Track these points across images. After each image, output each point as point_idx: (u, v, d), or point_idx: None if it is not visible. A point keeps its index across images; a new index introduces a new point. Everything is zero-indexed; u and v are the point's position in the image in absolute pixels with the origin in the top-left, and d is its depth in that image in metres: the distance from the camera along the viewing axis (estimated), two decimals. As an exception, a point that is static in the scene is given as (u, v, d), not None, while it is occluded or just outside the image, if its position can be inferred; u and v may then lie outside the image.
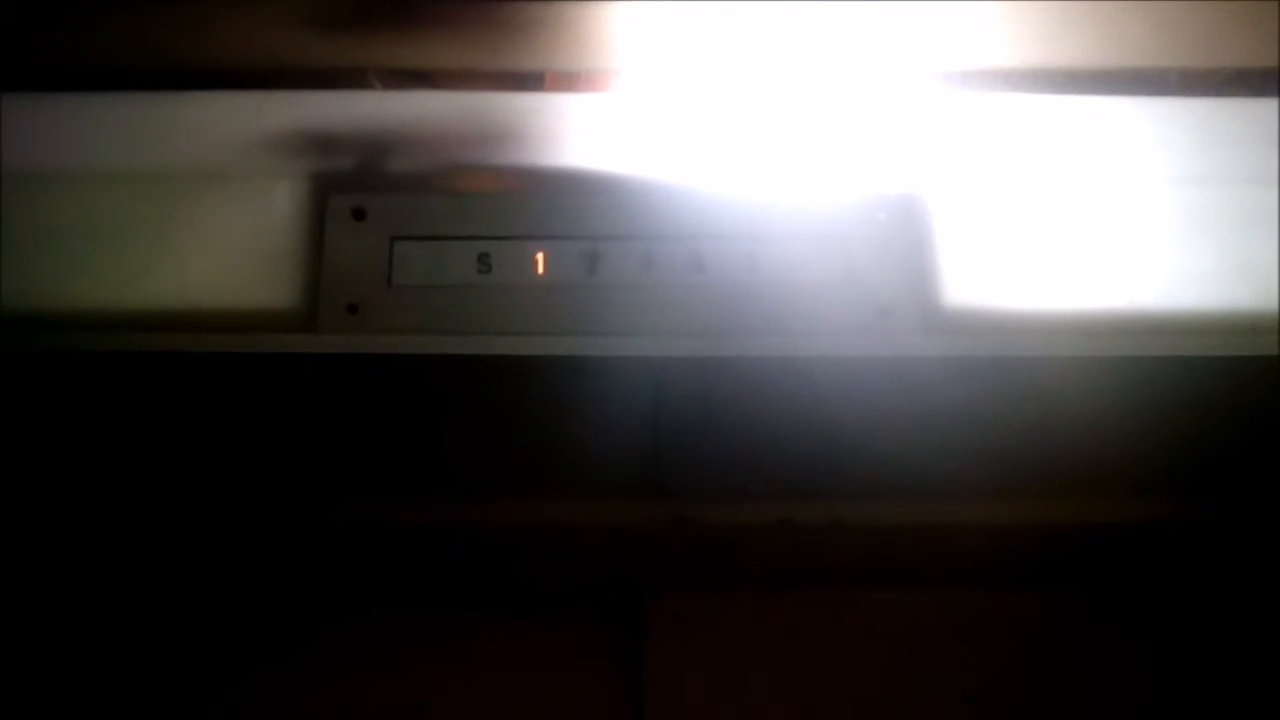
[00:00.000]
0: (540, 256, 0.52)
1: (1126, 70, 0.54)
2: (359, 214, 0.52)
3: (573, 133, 0.54)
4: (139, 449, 0.60)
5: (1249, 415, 0.58)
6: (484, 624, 0.69)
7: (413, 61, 0.55)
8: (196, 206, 0.53)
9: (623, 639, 0.69)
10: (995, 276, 0.53)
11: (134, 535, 0.65)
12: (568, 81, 0.55)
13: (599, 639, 0.69)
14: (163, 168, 0.53)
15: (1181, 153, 0.54)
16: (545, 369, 0.53)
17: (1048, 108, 0.54)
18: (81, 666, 0.68)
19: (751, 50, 0.54)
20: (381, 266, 0.52)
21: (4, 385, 0.54)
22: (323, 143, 0.54)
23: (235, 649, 0.68)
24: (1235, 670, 0.68)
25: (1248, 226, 0.54)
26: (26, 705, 0.67)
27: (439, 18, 0.55)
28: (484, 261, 0.52)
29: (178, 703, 0.68)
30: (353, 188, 0.53)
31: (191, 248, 0.52)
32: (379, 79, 0.54)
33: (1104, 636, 0.70)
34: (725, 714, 0.68)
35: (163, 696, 0.68)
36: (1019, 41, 0.55)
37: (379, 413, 0.58)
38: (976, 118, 0.54)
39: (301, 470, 0.62)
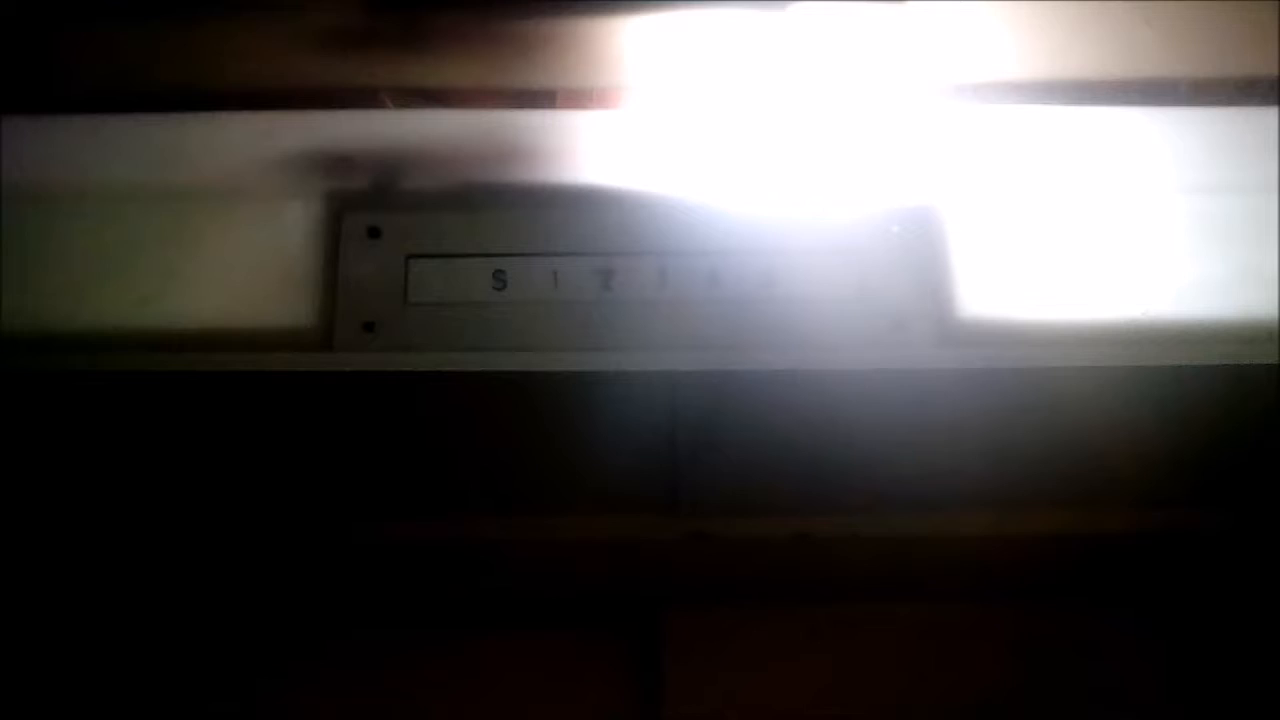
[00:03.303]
0: (555, 273, 0.52)
1: (1137, 81, 0.55)
2: (374, 233, 0.53)
3: (585, 150, 0.54)
4: (154, 468, 0.60)
5: (1263, 423, 0.58)
6: (500, 640, 0.69)
7: (424, 81, 0.55)
8: (211, 227, 0.53)
9: (640, 655, 0.68)
10: (1008, 288, 0.53)
11: (146, 552, 0.65)
12: (579, 99, 0.55)
13: (616, 655, 0.69)
14: (178, 189, 0.54)
15: (1193, 162, 0.54)
16: (561, 384, 0.53)
17: (1059, 119, 0.54)
18: (94, 680, 0.68)
19: (762, 65, 0.54)
20: (397, 284, 0.52)
21: (19, 406, 0.54)
22: (336, 162, 0.54)
23: (250, 665, 0.68)
24: (1247, 680, 0.68)
25: (1260, 235, 0.54)
26: (38, 713, 0.67)
27: (450, 37, 0.55)
28: (499, 278, 0.52)
29: (189, 716, 0.68)
30: (367, 207, 0.53)
31: (207, 268, 0.53)
32: (391, 98, 0.55)
33: (1121, 647, 0.69)
34: (743, 729, 0.67)
35: (174, 709, 0.68)
36: (1030, 54, 0.55)
37: (395, 430, 0.58)
38: (989, 130, 0.54)
39: (317, 487, 0.62)
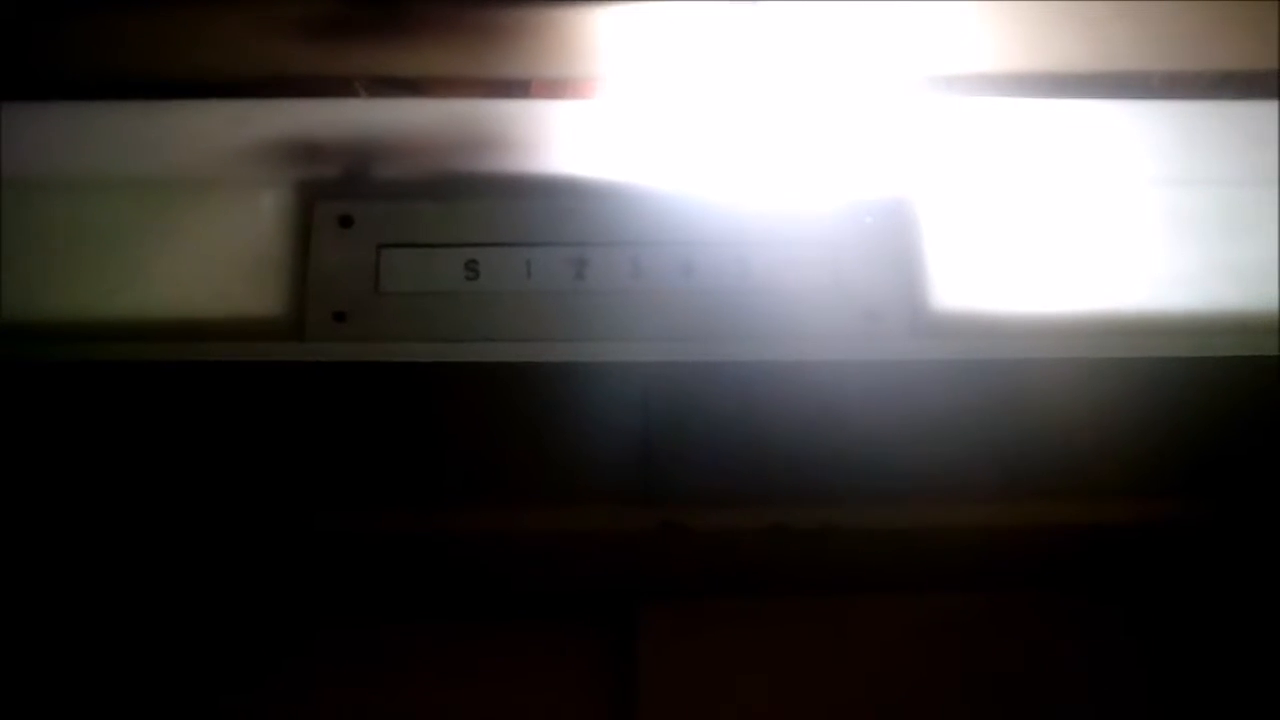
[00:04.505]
0: (528, 262, 0.52)
1: (1110, 74, 0.55)
2: (345, 221, 0.52)
3: (559, 139, 0.54)
4: (126, 458, 0.60)
5: (1240, 416, 0.59)
6: (475, 632, 0.69)
7: (398, 69, 0.55)
8: (182, 214, 0.53)
9: (615, 646, 0.68)
10: (984, 279, 0.53)
11: (125, 544, 0.65)
12: (553, 89, 0.55)
13: (591, 647, 0.69)
14: (148, 176, 0.53)
15: (1167, 155, 0.54)
16: (534, 375, 0.53)
17: (1033, 111, 0.54)
18: (75, 672, 0.67)
19: (738, 55, 0.54)
20: (369, 274, 0.51)
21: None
22: (308, 151, 0.53)
23: (226, 659, 0.68)
24: (1234, 671, 0.68)
25: (1234, 227, 0.54)
26: (23, 711, 0.66)
27: (424, 26, 0.55)
28: (471, 268, 0.52)
29: (172, 710, 0.68)
30: (339, 195, 0.53)
31: (177, 256, 0.52)
32: (364, 87, 0.54)
33: (1100, 638, 0.70)
34: (718, 721, 0.67)
35: (157, 704, 0.68)
36: (1004, 46, 0.55)
37: (367, 420, 0.58)
38: (963, 122, 0.54)
39: (289, 479, 0.61)
